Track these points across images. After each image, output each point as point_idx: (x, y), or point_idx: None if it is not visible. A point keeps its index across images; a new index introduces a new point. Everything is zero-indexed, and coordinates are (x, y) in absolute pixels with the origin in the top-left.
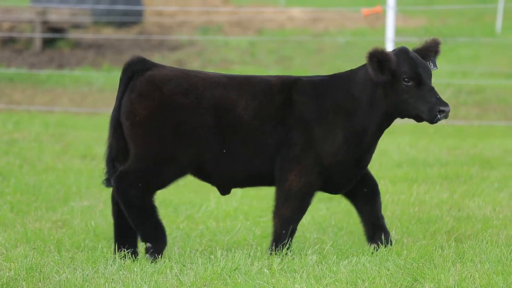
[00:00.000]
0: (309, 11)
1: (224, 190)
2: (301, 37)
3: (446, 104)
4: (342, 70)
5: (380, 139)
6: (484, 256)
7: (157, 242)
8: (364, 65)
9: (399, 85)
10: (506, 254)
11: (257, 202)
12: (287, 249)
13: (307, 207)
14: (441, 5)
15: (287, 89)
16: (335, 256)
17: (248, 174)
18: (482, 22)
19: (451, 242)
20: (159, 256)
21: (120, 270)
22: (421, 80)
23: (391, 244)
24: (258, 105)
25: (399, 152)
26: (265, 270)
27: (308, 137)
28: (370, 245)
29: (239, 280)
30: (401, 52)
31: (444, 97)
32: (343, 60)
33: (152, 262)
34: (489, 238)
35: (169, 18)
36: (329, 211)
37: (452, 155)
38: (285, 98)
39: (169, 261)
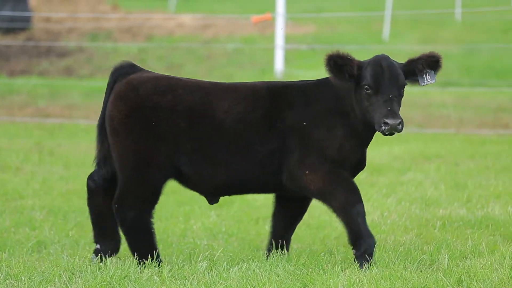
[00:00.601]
0: (199, 18)
1: (211, 199)
2: (191, 43)
3: (394, 117)
4: (232, 77)
5: None
6: (372, 261)
7: (151, 261)
8: None
9: (361, 92)
10: (393, 259)
11: None
12: (366, 234)
13: (351, 184)
14: (330, 13)
15: (276, 95)
16: (225, 263)
17: (231, 180)
18: (370, 30)
19: (340, 247)
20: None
21: (7, 279)
22: (380, 89)
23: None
24: (243, 110)
25: None
26: (155, 278)
27: (307, 140)
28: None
29: None
30: (374, 59)
31: None
32: (233, 67)
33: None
34: (377, 243)
35: (58, 24)
36: (219, 218)
37: None
38: (275, 104)
39: (58, 269)
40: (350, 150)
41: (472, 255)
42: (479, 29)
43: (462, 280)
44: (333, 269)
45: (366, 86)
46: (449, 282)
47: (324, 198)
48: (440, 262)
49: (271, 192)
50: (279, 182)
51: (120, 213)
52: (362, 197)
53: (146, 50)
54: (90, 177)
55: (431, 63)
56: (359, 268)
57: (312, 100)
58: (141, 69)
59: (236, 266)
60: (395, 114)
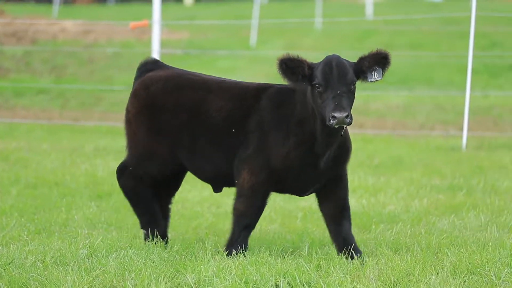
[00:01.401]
0: (80, 23)
1: (214, 188)
2: (73, 47)
3: (341, 111)
4: (112, 79)
5: None
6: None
7: (152, 229)
8: None
9: (314, 90)
10: (260, 247)
11: (32, 200)
12: (242, 243)
13: (261, 204)
14: (203, 20)
15: (258, 96)
16: (104, 250)
17: (217, 174)
18: (239, 37)
19: (211, 236)
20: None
21: None
22: (329, 86)
23: (355, 257)
24: (231, 108)
25: None
26: (38, 264)
27: (262, 141)
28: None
29: (14, 274)
30: (325, 60)
31: None
32: (112, 70)
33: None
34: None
35: None
36: (99, 209)
37: None
38: (253, 104)
39: None
40: (296, 158)
41: (330, 243)
42: (337, 37)
43: (321, 266)
44: (204, 256)
45: (317, 85)
46: (309, 268)
47: (238, 194)
48: (302, 249)
49: None
50: None
51: (121, 180)
52: (231, 190)
53: (31, 53)
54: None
55: (379, 60)
56: (227, 255)
57: (282, 103)
58: (163, 66)
59: (115, 253)
60: (342, 108)
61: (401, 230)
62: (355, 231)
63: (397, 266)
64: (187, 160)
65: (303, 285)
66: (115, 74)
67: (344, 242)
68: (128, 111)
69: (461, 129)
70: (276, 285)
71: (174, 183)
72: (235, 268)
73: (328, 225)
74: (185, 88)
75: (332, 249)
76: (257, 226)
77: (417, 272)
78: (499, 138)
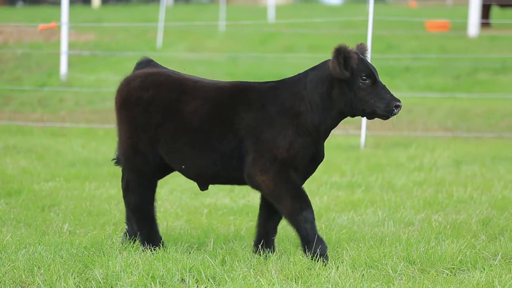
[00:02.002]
0: None
1: (201, 185)
2: None
3: (399, 100)
4: (21, 79)
5: (56, 141)
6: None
7: (151, 247)
8: (314, 68)
9: (356, 82)
10: (166, 243)
11: None
12: (314, 238)
13: (297, 190)
14: (110, 23)
15: (237, 97)
16: (13, 246)
17: (198, 173)
18: (145, 38)
19: (118, 232)
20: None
21: None
22: (376, 78)
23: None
24: (209, 109)
25: (72, 152)
26: None
27: (258, 141)
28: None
29: None
30: (358, 51)
31: (112, 104)
32: (21, 70)
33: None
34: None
35: None
36: (8, 206)
37: None
38: (234, 105)
39: None
40: (300, 148)
41: (234, 238)
42: (240, 40)
43: (225, 261)
44: (112, 251)
45: (363, 76)
46: (214, 262)
47: (274, 201)
48: (207, 245)
49: (243, 184)
50: (242, 176)
51: (125, 197)
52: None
53: None
54: None
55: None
56: (135, 250)
57: (268, 101)
58: (155, 65)
59: (24, 249)
60: (397, 98)
61: None
62: None
63: (298, 260)
64: (168, 158)
65: (209, 280)
66: (24, 75)
67: (266, 233)
68: (114, 108)
69: (360, 128)
70: (182, 279)
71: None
72: (142, 264)
73: (260, 215)
74: (161, 86)
75: (237, 245)
76: (163, 222)
77: (318, 266)
78: (395, 137)
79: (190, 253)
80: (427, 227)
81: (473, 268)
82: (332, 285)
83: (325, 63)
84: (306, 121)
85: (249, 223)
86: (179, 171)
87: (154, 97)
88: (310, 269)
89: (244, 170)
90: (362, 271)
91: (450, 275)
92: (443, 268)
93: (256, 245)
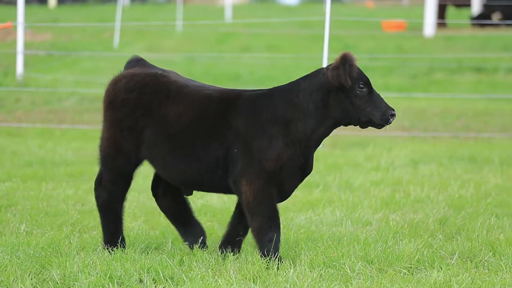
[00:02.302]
0: None
1: (185, 191)
2: None
3: (394, 109)
4: None
5: (12, 141)
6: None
7: (113, 247)
8: (307, 77)
9: (353, 91)
10: (132, 241)
11: None
12: (278, 257)
13: (273, 211)
14: (66, 22)
15: (224, 105)
16: None
17: (180, 180)
18: (102, 38)
19: (76, 233)
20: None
21: None
22: (371, 86)
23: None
24: (192, 117)
25: (29, 153)
26: None
27: (248, 150)
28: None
29: None
30: (347, 59)
31: (68, 104)
32: None
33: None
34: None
35: None
36: None
37: (77, 155)
38: (221, 114)
39: None
40: (288, 159)
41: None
42: (197, 39)
43: (183, 261)
44: (69, 252)
45: (361, 85)
46: (172, 263)
47: (247, 212)
48: (165, 245)
49: (228, 193)
50: (227, 186)
51: (96, 191)
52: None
53: None
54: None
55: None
56: (93, 250)
57: (259, 109)
58: (144, 63)
59: None
60: (391, 106)
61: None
62: (216, 226)
63: (257, 260)
64: (151, 163)
65: (167, 280)
66: None
67: (236, 233)
68: (102, 107)
69: None
70: (140, 280)
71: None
72: (100, 264)
73: (234, 215)
74: (146, 88)
75: (195, 245)
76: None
77: (276, 266)
78: (353, 137)
79: (148, 253)
80: (384, 227)
81: (431, 267)
82: (290, 285)
83: (319, 71)
84: (297, 130)
85: (207, 223)
86: (162, 176)
87: (139, 99)
88: (268, 269)
89: (229, 178)
90: (320, 270)
91: (408, 274)
92: (400, 268)
93: (224, 243)
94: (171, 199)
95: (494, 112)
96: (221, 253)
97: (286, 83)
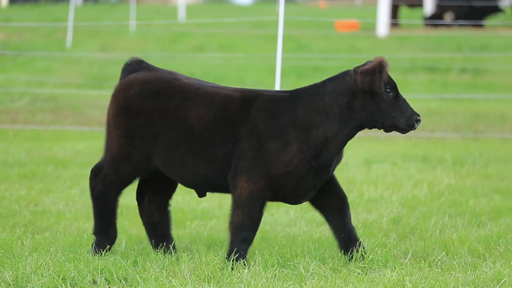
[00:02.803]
0: None
1: (199, 193)
2: None
3: (419, 115)
4: None
5: None
6: (58, 245)
7: (103, 238)
8: (332, 79)
9: (380, 95)
10: (78, 243)
11: None
12: (241, 257)
13: (258, 214)
14: (18, 22)
15: (246, 104)
16: None
17: (197, 181)
18: (54, 38)
19: (29, 234)
20: (101, 251)
21: None
22: (398, 91)
23: (365, 253)
24: (213, 117)
25: None
26: None
27: (259, 149)
28: (346, 257)
29: None
30: (378, 64)
31: (21, 104)
32: None
33: (93, 255)
34: (62, 229)
35: None
36: None
37: (30, 156)
38: (241, 112)
39: None
40: (299, 163)
41: (146, 239)
42: (151, 39)
43: (137, 261)
44: (22, 253)
45: (388, 89)
46: (126, 263)
47: (234, 207)
48: (119, 246)
49: None
50: None
51: (92, 181)
52: (48, 189)
53: None
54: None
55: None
56: (46, 252)
57: (280, 111)
58: (147, 66)
59: None
60: (416, 112)
61: (215, 226)
62: (126, 225)
63: (211, 260)
64: (166, 167)
65: (120, 281)
66: None
67: (349, 234)
68: (108, 112)
69: None
70: (94, 281)
71: (169, 186)
72: (53, 265)
73: (329, 218)
74: (162, 94)
75: (149, 245)
76: (75, 224)
77: (230, 266)
78: None
79: (101, 254)
80: None
81: (384, 267)
82: (244, 285)
83: (346, 73)
84: (317, 135)
85: (124, 222)
86: (176, 179)
87: (155, 106)
88: (223, 269)
89: (229, 172)
90: (274, 270)
91: (362, 274)
92: (354, 267)
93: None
94: (156, 208)
95: (447, 112)
96: (349, 255)
97: (310, 84)
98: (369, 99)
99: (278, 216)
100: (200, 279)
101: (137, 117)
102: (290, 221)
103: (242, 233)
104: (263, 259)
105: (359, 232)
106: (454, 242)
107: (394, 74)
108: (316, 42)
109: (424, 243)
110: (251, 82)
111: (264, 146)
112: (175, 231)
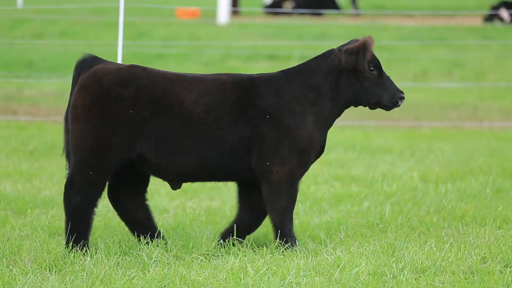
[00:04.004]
0: None
1: (174, 184)
2: None
3: (403, 92)
4: None
5: None
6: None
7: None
8: (316, 58)
9: (363, 74)
10: None
11: None
12: (294, 241)
13: (297, 193)
14: None
15: (242, 87)
16: None
17: (198, 167)
18: None
19: None
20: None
21: None
22: (381, 69)
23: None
24: (212, 101)
25: None
26: None
27: (280, 128)
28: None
29: None
30: (364, 42)
31: None
32: None
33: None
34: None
35: None
36: None
37: None
38: (242, 95)
39: None
40: (317, 138)
41: None
42: None
43: None
44: None
45: (371, 67)
46: None
47: (271, 191)
48: None
49: (234, 179)
50: (245, 168)
51: (67, 195)
52: None
53: None
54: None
55: None
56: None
57: (280, 89)
58: (103, 61)
59: None
60: (400, 89)
61: (56, 214)
62: (10, 215)
63: (53, 249)
64: (158, 154)
65: None
66: None
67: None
68: (75, 106)
69: None
70: None
71: (140, 182)
72: None
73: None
74: (142, 81)
75: None
76: None
77: (73, 254)
78: None
79: None
80: (181, 214)
81: (227, 254)
82: (87, 273)
83: (330, 52)
84: (322, 110)
85: (1, 212)
86: (163, 168)
87: (137, 93)
88: (65, 258)
89: (250, 159)
90: (117, 258)
91: (205, 261)
92: (198, 254)
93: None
94: (137, 205)
95: None
96: (223, 244)
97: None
98: (353, 78)
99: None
100: (41, 267)
101: (117, 105)
102: None
103: (289, 215)
104: (106, 247)
105: (202, 219)
106: (296, 229)
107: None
108: (157, 29)
109: (266, 230)
110: None
111: (283, 124)
112: (15, 220)
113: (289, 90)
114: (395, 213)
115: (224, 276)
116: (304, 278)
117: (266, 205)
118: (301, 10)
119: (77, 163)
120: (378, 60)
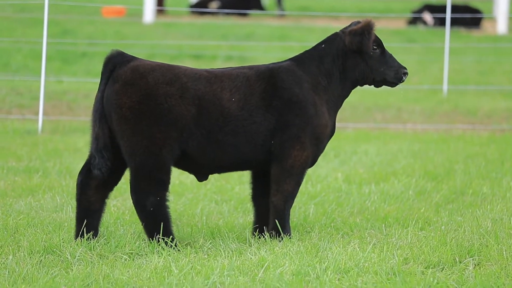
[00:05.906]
0: None
1: (203, 176)
2: None
3: (406, 68)
4: None
5: None
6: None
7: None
8: (324, 42)
9: (368, 52)
10: None
11: None
12: (288, 229)
13: (303, 176)
14: None
15: (265, 79)
16: None
17: (235, 161)
18: None
19: None
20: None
21: None
22: (384, 47)
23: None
24: (243, 96)
25: None
26: None
27: (303, 116)
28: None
29: None
30: (365, 23)
31: None
32: None
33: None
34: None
35: None
36: None
37: None
38: (267, 87)
39: None
40: (331, 125)
41: None
42: None
43: None
44: None
45: (374, 46)
46: None
47: (286, 176)
48: None
49: (257, 168)
50: (269, 157)
51: (139, 200)
52: None
53: None
54: (83, 171)
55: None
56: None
57: (299, 78)
58: (132, 56)
59: None
60: (403, 65)
61: None
62: None
63: None
64: (201, 151)
65: None
66: None
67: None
68: (120, 106)
69: (37, 113)
70: None
71: (115, 177)
72: None
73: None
74: (182, 79)
75: None
76: None
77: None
78: (73, 122)
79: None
80: (106, 213)
81: (151, 253)
82: (9, 272)
83: (335, 35)
84: (333, 95)
85: None
86: (204, 163)
87: (182, 91)
88: None
89: (274, 141)
90: (40, 257)
91: (129, 260)
92: (121, 253)
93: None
94: (100, 197)
95: None
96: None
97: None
98: (358, 58)
99: (44, 202)
100: None
101: (165, 102)
102: (56, 207)
103: (291, 201)
104: (28, 245)
105: (126, 218)
106: (220, 228)
107: (161, 61)
108: (82, 27)
109: (191, 229)
110: (17, 67)
111: (306, 112)
112: None
113: (307, 79)
114: (319, 213)
115: (148, 275)
116: (228, 278)
117: (272, 187)
118: (227, 10)
119: (138, 167)
120: (380, 39)
